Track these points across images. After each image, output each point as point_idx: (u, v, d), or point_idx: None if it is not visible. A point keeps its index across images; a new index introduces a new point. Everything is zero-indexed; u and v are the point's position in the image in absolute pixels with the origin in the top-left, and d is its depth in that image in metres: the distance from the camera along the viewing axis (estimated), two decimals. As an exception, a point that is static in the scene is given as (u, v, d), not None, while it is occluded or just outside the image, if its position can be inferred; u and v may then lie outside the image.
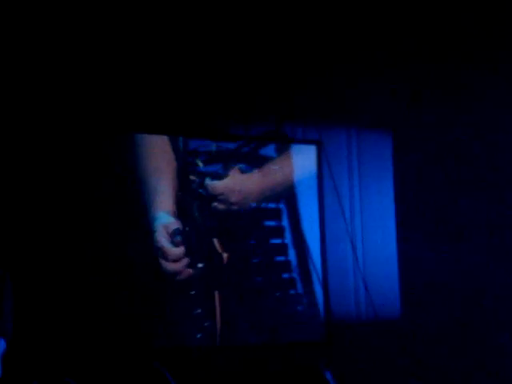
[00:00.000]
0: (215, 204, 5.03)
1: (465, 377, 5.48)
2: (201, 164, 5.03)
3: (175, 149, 4.97)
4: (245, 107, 5.18)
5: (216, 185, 5.06)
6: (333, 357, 5.17)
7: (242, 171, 5.18)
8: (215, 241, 5.02)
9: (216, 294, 4.97)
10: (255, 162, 5.27)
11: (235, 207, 5.09)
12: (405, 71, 5.44)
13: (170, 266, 4.82)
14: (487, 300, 5.64)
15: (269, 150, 5.34)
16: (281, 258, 5.26)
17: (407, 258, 5.60)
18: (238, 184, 5.13)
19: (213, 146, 5.13)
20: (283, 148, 5.40)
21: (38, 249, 4.44)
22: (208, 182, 5.03)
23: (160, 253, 4.80)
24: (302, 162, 5.41)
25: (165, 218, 4.84)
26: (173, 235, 4.84)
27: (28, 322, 4.21)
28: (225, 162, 5.12)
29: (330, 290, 5.36)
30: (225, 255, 5.03)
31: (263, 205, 5.25)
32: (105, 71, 4.69)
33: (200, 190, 4.99)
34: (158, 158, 4.91)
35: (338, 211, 5.44)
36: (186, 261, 4.89)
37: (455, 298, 5.64)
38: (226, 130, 5.21)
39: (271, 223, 5.28)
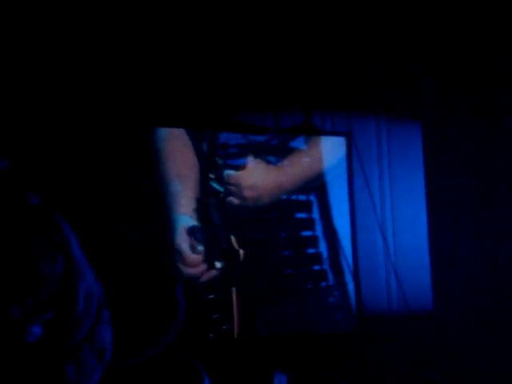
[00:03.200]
0: (229, 198, 4.98)
1: (499, 371, 5.42)
2: (220, 160, 4.99)
3: (198, 151, 4.94)
4: (273, 99, 5.17)
5: (231, 175, 5.01)
6: (364, 349, 5.17)
7: (263, 163, 5.13)
8: (232, 238, 4.98)
9: (234, 292, 4.94)
10: (285, 154, 5.26)
11: (249, 202, 5.04)
12: (434, 60, 5.40)
13: (188, 271, 4.81)
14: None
15: (298, 142, 5.34)
16: (312, 251, 5.26)
17: (439, 249, 5.56)
18: (253, 176, 5.07)
19: (242, 139, 5.13)
20: (313, 140, 5.39)
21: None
22: (224, 173, 5.00)
23: (179, 257, 4.78)
24: (332, 153, 5.40)
25: (186, 221, 4.82)
26: (192, 236, 4.81)
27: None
28: (252, 154, 5.10)
29: (361, 282, 5.35)
30: (242, 252, 5.00)
31: (294, 197, 5.24)
32: (126, 64, 4.70)
33: (215, 185, 4.95)
34: (180, 160, 4.88)
35: (368, 202, 5.42)
36: (204, 266, 4.87)
37: (489, 290, 5.58)
38: (255, 122, 5.20)
39: (302, 215, 5.27)
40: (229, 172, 5.01)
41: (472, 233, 5.59)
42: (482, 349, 5.46)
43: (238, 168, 5.05)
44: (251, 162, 5.08)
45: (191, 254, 4.82)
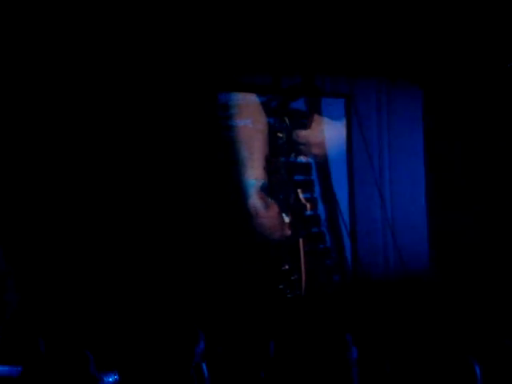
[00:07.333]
0: (297, 155, 5.27)
1: (496, 327, 5.48)
2: (287, 120, 5.22)
3: (267, 110, 5.20)
4: (274, 60, 5.14)
5: (301, 133, 5.26)
6: (361, 309, 5.24)
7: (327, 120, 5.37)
8: (299, 192, 5.24)
9: (301, 243, 5.22)
10: (286, 115, 5.29)
11: (315, 158, 5.32)
12: (437, 29, 5.31)
13: (263, 221, 5.10)
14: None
15: (299, 103, 5.33)
16: (309, 213, 5.31)
17: (436, 211, 5.59)
18: (320, 135, 5.35)
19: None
20: (313, 101, 5.38)
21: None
22: (294, 132, 5.25)
23: (255, 213, 5.07)
24: (332, 115, 5.40)
25: (255, 184, 5.11)
26: (263, 191, 5.10)
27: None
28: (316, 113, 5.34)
29: (358, 243, 5.41)
30: (308, 205, 5.27)
31: (292, 159, 5.28)
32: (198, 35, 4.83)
33: (283, 143, 5.20)
34: (251, 124, 5.15)
35: (367, 165, 5.43)
36: (278, 218, 5.14)
37: (485, 248, 5.60)
38: (257, 82, 5.20)
39: (300, 178, 5.31)
40: (296, 131, 5.26)
41: (469, 195, 5.59)
42: (478, 307, 5.52)
43: (304, 126, 5.29)
44: (315, 120, 5.32)
45: (265, 209, 5.10)
